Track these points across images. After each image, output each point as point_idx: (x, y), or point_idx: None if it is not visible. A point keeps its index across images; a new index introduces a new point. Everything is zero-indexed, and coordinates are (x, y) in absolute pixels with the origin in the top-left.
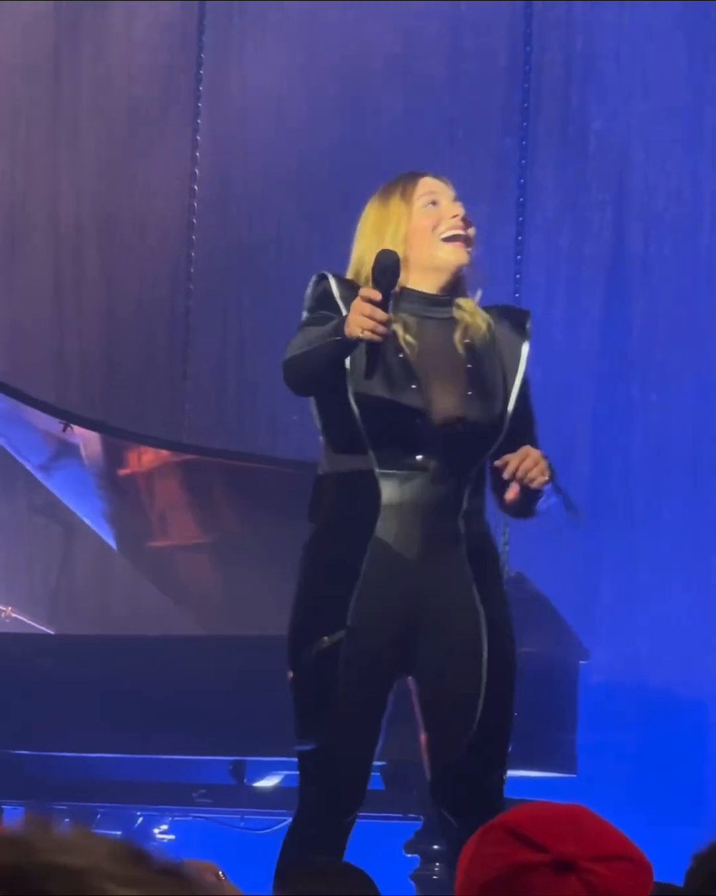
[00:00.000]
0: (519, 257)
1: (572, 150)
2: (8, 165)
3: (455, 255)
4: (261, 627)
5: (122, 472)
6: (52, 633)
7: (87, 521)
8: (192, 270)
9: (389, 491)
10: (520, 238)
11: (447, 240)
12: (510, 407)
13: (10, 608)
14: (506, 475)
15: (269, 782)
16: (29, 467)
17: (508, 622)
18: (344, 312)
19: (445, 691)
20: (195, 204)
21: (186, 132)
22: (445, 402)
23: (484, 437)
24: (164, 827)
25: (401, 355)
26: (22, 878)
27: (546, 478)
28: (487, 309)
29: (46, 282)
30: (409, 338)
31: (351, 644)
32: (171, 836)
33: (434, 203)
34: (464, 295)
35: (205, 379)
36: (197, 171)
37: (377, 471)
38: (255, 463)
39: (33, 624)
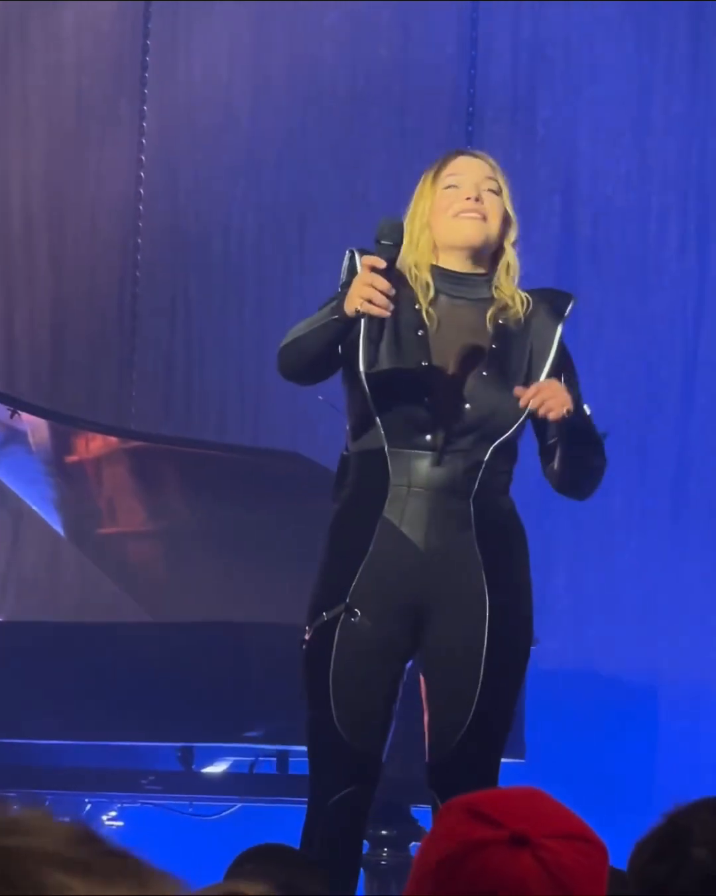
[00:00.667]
0: None
1: (519, 138)
2: None
3: (461, 234)
4: (208, 613)
5: (70, 458)
6: (1, 620)
7: (35, 508)
8: (139, 258)
9: (398, 470)
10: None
11: (457, 218)
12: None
13: None
14: (522, 404)
15: (217, 768)
16: None
17: (520, 610)
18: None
19: (446, 677)
20: (142, 192)
21: (133, 121)
22: (454, 382)
23: (498, 420)
24: (113, 814)
25: (420, 332)
26: None
27: (566, 410)
28: (530, 292)
29: None
30: (431, 312)
31: (347, 621)
32: (120, 823)
33: (454, 186)
34: (506, 275)
35: (152, 366)
36: (144, 158)
37: (387, 449)
38: (202, 449)
39: None
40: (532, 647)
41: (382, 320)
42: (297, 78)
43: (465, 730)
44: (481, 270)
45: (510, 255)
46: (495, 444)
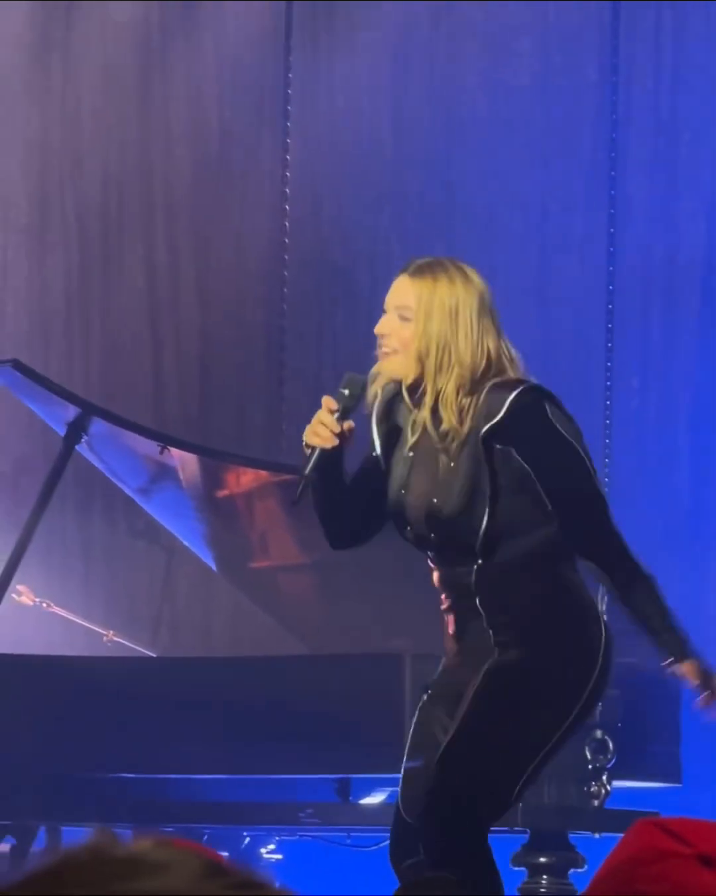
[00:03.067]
0: (611, 269)
1: (662, 161)
2: (102, 190)
3: (382, 369)
4: (362, 646)
5: (221, 493)
6: (154, 655)
7: (187, 544)
8: (286, 290)
9: (433, 573)
10: (612, 249)
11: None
12: (486, 504)
13: (111, 632)
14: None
15: (374, 799)
16: (127, 491)
17: (512, 684)
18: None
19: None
20: (287, 224)
21: (276, 152)
22: (415, 509)
23: (460, 539)
24: (271, 847)
25: (410, 453)
26: None
27: None
28: (495, 386)
29: (142, 304)
30: (411, 438)
31: (425, 702)
32: (279, 856)
33: (384, 311)
34: (440, 403)
35: (302, 399)
36: (288, 190)
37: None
38: None
39: (135, 647)
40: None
41: (392, 445)
42: (438, 106)
43: (431, 792)
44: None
45: (438, 382)
46: (477, 550)
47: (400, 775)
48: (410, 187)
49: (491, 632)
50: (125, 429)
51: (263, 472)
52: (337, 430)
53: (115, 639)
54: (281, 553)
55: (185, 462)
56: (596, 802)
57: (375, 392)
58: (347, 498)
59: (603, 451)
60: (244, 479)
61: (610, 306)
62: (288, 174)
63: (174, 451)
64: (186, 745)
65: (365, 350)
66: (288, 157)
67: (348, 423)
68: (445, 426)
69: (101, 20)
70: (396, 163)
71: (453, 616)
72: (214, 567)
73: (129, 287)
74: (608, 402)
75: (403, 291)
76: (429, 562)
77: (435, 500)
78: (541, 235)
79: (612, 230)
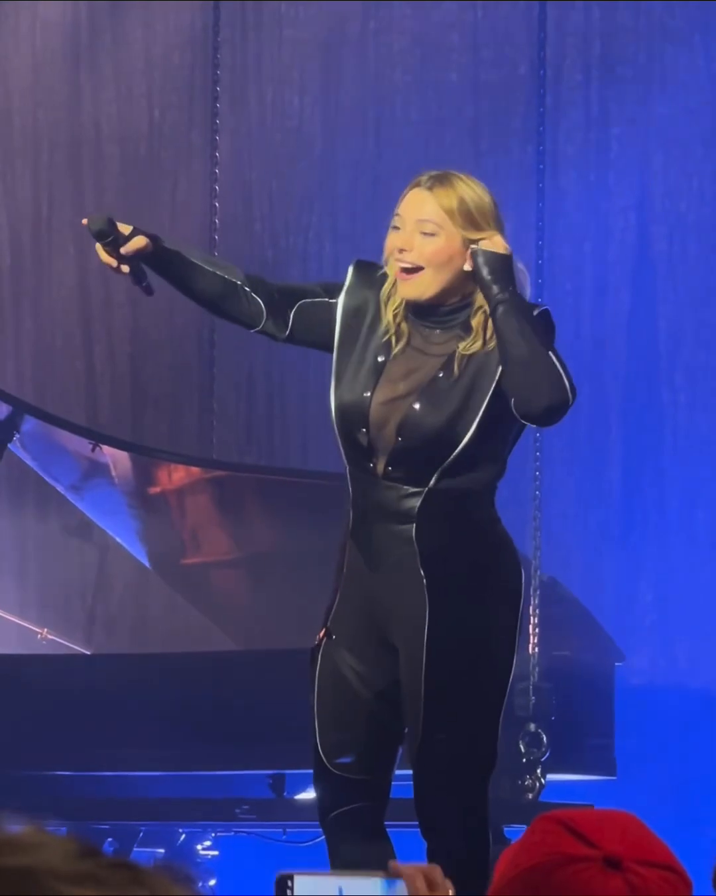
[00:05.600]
0: (540, 262)
1: (593, 156)
2: (32, 190)
3: (400, 291)
4: (294, 641)
5: (153, 490)
6: (89, 653)
7: (120, 541)
8: None
9: (355, 494)
10: (540, 243)
11: (396, 273)
12: (475, 422)
13: (45, 630)
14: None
15: (309, 794)
16: (60, 488)
17: (466, 633)
18: (344, 290)
19: (406, 704)
20: (217, 221)
21: (206, 151)
22: (387, 413)
23: (433, 450)
24: (208, 843)
25: (380, 358)
26: None
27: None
28: None
29: (73, 304)
30: (401, 337)
31: (328, 645)
32: (215, 852)
33: (396, 227)
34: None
35: (232, 396)
36: (217, 188)
37: (348, 472)
38: (284, 476)
39: (70, 645)
40: (617, 664)
41: (351, 346)
42: (367, 104)
43: (417, 758)
44: (454, 299)
45: (475, 299)
46: (440, 469)
47: (317, 722)
48: (340, 186)
49: (422, 570)
50: (57, 427)
51: (194, 469)
52: (114, 263)
53: (50, 637)
54: (213, 549)
55: (116, 460)
56: (530, 796)
57: (390, 310)
58: (205, 277)
59: (534, 462)
60: (176, 475)
61: (540, 300)
62: (217, 172)
63: (106, 448)
64: (121, 743)
65: (294, 350)
66: (217, 155)
67: (133, 244)
68: (473, 348)
69: (30, 20)
70: (326, 161)
71: (370, 544)
72: (147, 564)
73: (60, 287)
74: None
75: (422, 204)
76: (357, 479)
77: (417, 407)
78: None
79: (540, 224)
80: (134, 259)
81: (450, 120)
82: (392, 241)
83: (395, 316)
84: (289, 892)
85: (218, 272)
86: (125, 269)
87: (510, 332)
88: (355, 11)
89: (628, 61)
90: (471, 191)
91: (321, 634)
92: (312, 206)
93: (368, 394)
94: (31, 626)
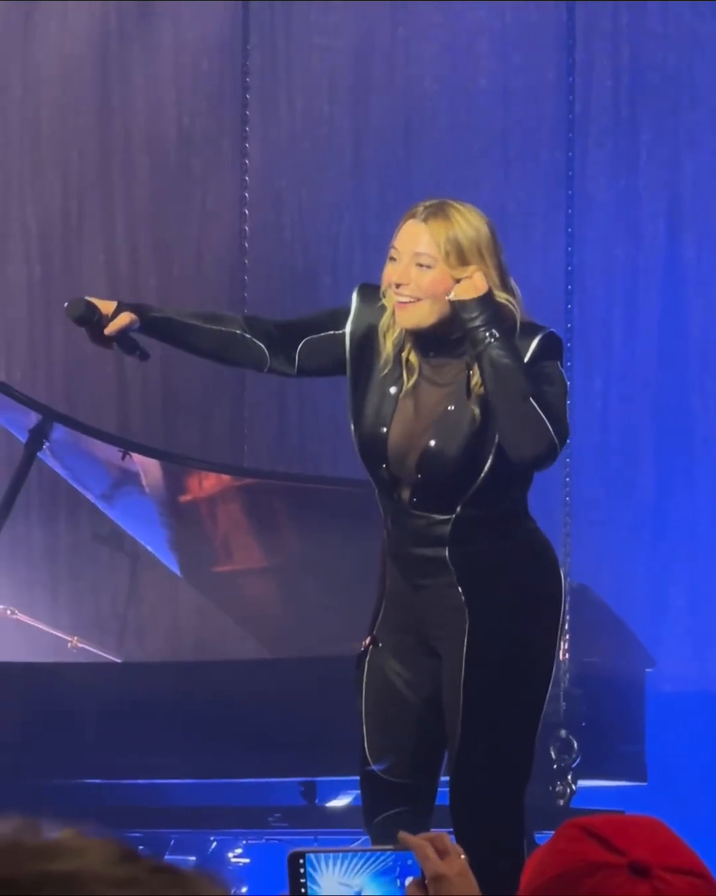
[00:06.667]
0: (570, 269)
1: (622, 162)
2: (61, 199)
3: (399, 321)
4: (327, 648)
5: (184, 498)
6: (120, 661)
7: (151, 549)
8: (246, 295)
9: (385, 519)
10: (570, 249)
11: (395, 303)
12: (492, 451)
13: (76, 638)
14: None
15: (340, 802)
16: (91, 497)
17: (505, 646)
18: (350, 318)
19: (446, 714)
20: (247, 229)
21: (236, 159)
22: (402, 447)
23: (455, 482)
24: (239, 851)
25: (393, 389)
26: (14, 887)
27: None
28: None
29: None
30: (411, 368)
31: (375, 653)
32: (246, 860)
33: (393, 259)
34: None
35: (264, 404)
36: (247, 195)
37: (378, 498)
38: (316, 484)
39: (101, 653)
40: (647, 670)
41: (366, 377)
42: (397, 111)
43: (453, 767)
44: (457, 330)
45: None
46: (465, 497)
47: (364, 727)
48: (370, 193)
49: (460, 588)
50: (87, 435)
51: (226, 477)
52: (101, 343)
53: (81, 645)
54: (244, 557)
55: (147, 468)
56: (562, 802)
57: (389, 341)
58: (200, 338)
59: (564, 468)
60: (207, 483)
61: (570, 306)
62: (247, 179)
63: (137, 456)
64: (152, 751)
65: None
66: (247, 162)
67: (116, 323)
68: (476, 379)
69: (59, 28)
70: (357, 168)
71: (407, 565)
72: (178, 572)
73: (90, 295)
74: (569, 402)
75: (418, 236)
76: (386, 506)
77: (434, 443)
78: (501, 237)
79: (570, 230)
80: (122, 333)
81: (479, 126)
82: (389, 274)
83: (398, 347)
84: (301, 870)
85: (214, 327)
86: (113, 345)
87: (490, 384)
88: (385, 18)
89: (657, 67)
90: (465, 222)
91: (367, 642)
92: (342, 214)
93: (385, 429)
94: (61, 635)
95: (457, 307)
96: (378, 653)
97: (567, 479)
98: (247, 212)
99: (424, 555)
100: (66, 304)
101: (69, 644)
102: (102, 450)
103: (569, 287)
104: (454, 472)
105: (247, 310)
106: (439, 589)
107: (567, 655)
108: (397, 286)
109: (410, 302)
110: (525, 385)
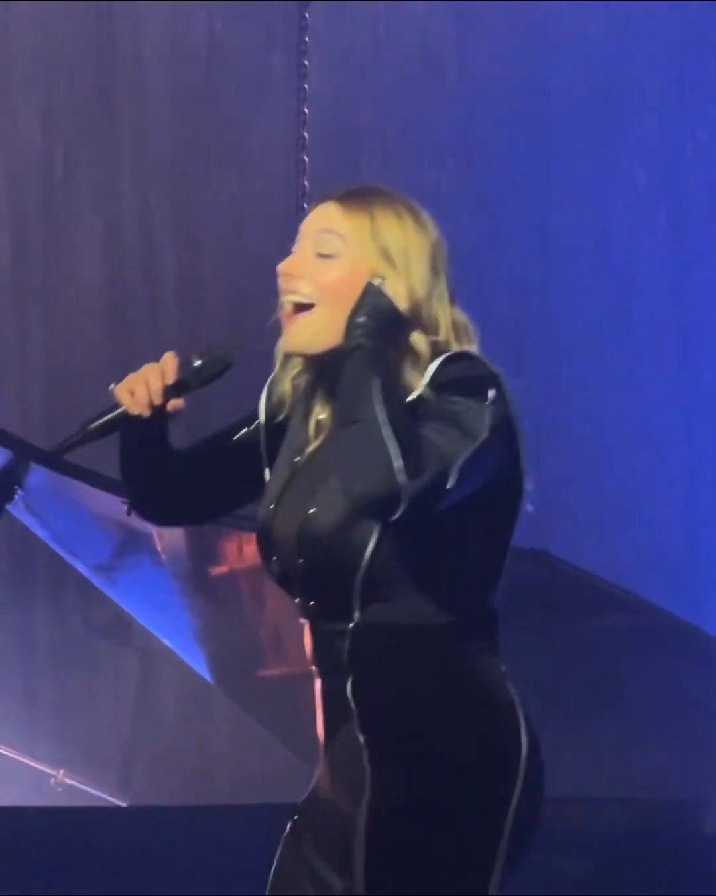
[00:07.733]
0: None
1: None
2: (41, 136)
3: (286, 344)
4: None
5: (217, 570)
6: (124, 804)
7: (169, 644)
8: None
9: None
10: None
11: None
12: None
13: (61, 772)
14: None
15: None
16: (82, 570)
17: (411, 822)
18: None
19: None
20: (306, 184)
21: (291, 79)
22: (286, 526)
23: (336, 567)
24: None
25: (296, 459)
26: None
27: None
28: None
29: (99, 303)
30: (313, 441)
31: (292, 827)
32: None
33: (293, 253)
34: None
35: None
36: (307, 134)
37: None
38: None
39: (97, 792)
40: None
41: (277, 440)
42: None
43: None
44: None
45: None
46: (357, 588)
47: None
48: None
49: (362, 738)
50: (77, 479)
51: None
52: (158, 401)
53: (68, 781)
54: (303, 656)
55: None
56: None
57: (286, 389)
58: (170, 470)
59: None
60: (249, 549)
61: None
62: (306, 111)
63: None
64: None
65: None
66: (306, 87)
67: (175, 402)
68: None
69: None
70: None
71: (322, 707)
72: (208, 676)
73: (80, 279)
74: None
75: (328, 217)
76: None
77: (312, 511)
78: None
79: None
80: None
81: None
82: (280, 268)
83: (304, 403)
84: None
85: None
86: (143, 412)
87: (343, 387)
88: None
89: None
90: (393, 214)
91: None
92: (445, 160)
93: (273, 506)
94: (42, 767)
95: (366, 295)
96: (292, 832)
97: None
98: (306, 159)
99: (329, 685)
100: (211, 346)
101: (53, 780)
102: (99, 500)
103: None
104: (330, 554)
105: None
106: (344, 743)
107: None
108: (286, 278)
109: (298, 305)
110: (382, 408)
